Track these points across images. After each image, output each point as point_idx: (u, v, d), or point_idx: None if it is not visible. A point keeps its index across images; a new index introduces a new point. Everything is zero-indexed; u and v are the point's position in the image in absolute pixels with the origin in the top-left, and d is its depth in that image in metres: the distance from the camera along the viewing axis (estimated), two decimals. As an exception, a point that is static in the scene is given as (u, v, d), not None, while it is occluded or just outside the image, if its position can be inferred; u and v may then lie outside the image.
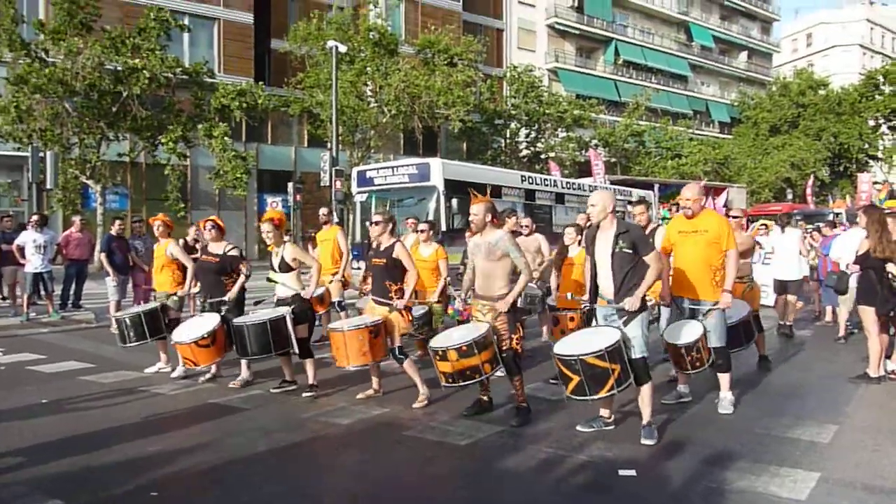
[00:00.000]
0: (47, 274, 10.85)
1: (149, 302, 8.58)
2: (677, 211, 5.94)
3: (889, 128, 41.60)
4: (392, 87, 25.72)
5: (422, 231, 7.72)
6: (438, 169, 12.87)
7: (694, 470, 4.13)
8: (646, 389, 4.76)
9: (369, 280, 8.32)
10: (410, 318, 6.09)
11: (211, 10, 29.05)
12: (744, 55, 51.28)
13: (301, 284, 6.38)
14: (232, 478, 4.08)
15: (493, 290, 5.25)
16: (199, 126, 23.86)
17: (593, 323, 5.08)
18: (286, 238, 6.50)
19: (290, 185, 22.03)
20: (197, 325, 6.53)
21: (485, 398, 5.58)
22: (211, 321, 6.46)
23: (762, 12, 52.42)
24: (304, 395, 6.09)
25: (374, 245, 6.30)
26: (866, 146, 39.90)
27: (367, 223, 10.03)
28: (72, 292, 12.03)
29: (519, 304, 5.52)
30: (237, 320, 6.25)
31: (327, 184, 19.12)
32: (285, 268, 6.29)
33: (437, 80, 26.43)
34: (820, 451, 4.49)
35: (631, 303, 4.65)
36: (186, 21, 25.91)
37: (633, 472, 4.06)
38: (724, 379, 5.59)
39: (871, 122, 40.76)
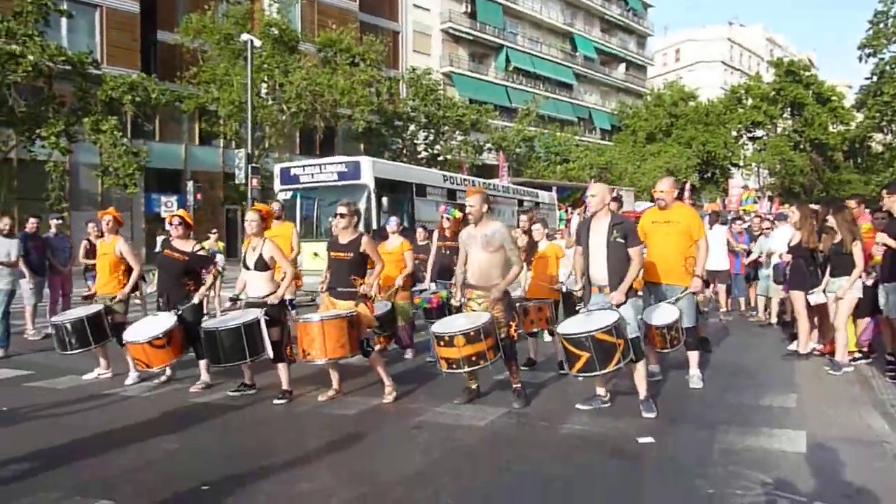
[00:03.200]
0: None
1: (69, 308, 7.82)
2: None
3: (749, 138, 45.93)
4: (293, 85, 25.20)
5: (396, 223, 7.82)
6: (369, 167, 12.86)
7: (699, 436, 4.56)
8: (640, 366, 5.15)
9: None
10: (373, 310, 6.01)
11: (93, -4, 27.11)
12: (622, 67, 54.70)
13: (274, 285, 6.00)
14: (270, 468, 4.02)
15: (489, 281, 5.41)
16: (84, 120, 22.24)
17: (585, 308, 5.39)
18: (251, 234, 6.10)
19: (190, 183, 21.06)
20: (152, 325, 6.18)
21: (473, 386, 5.74)
22: (167, 320, 6.12)
23: (638, 27, 56.17)
24: (276, 401, 5.65)
25: (332, 238, 6.18)
26: (730, 154, 43.80)
27: (330, 219, 9.96)
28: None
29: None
30: (208, 324, 5.86)
31: (243, 181, 18.47)
32: (262, 266, 5.91)
33: (339, 79, 26.19)
34: (794, 415, 5.08)
35: (616, 297, 5.01)
36: (65, 6, 24.07)
37: (651, 440, 4.42)
38: (693, 357, 6.13)
39: (734, 133, 44.81)
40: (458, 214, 8.35)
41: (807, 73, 44.80)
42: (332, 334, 5.45)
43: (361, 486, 3.68)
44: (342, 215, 5.88)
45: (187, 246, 6.47)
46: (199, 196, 20.76)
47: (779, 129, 45.28)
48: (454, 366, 5.24)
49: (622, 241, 5.11)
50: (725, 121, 44.02)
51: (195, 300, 6.29)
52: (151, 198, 28.19)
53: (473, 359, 5.17)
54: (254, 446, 4.51)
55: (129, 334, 6.12)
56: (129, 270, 6.98)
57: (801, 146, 44.16)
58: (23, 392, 6.17)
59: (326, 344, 5.44)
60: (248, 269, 6.02)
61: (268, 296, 5.87)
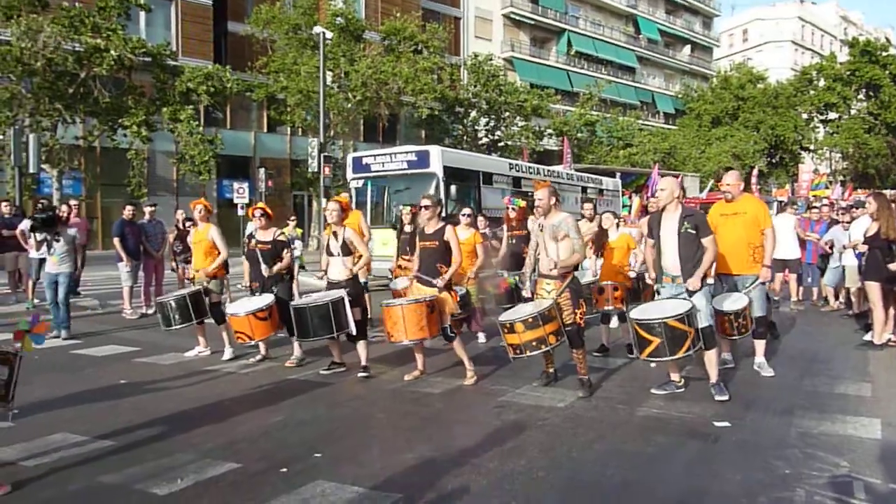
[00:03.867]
0: (54, 259, 10.67)
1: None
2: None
3: (821, 121, 44.20)
4: (359, 73, 25.74)
5: (467, 215, 8.09)
6: (438, 156, 13.19)
7: (776, 420, 4.73)
8: (712, 353, 5.34)
9: (403, 263, 8.74)
10: (457, 298, 6.42)
11: (169, -10, 28.29)
12: (687, 49, 53.32)
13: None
14: (371, 439, 4.42)
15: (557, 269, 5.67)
16: (163, 110, 23.34)
17: (656, 297, 5.60)
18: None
19: (262, 170, 21.87)
20: (251, 302, 6.78)
21: (551, 370, 6.01)
22: (266, 297, 6.73)
23: (704, 7, 54.59)
24: (360, 375, 6.19)
25: (418, 228, 6.56)
26: (800, 138, 42.28)
27: (401, 207, 10.37)
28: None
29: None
30: (298, 302, 6.42)
31: (315, 170, 19.13)
32: (346, 250, 6.42)
33: (403, 66, 26.60)
34: (869, 403, 5.18)
35: (693, 283, 5.20)
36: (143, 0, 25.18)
37: (727, 424, 4.62)
38: (760, 345, 6.27)
39: (805, 116, 43.20)
40: (523, 204, 8.58)
41: (884, 54, 42.67)
42: (411, 318, 5.84)
43: (458, 457, 4.03)
44: (426, 207, 6.23)
45: (269, 235, 7.04)
46: (270, 183, 21.49)
47: (852, 112, 43.37)
48: (518, 351, 5.52)
49: (693, 231, 5.28)
50: (796, 103, 42.44)
51: (273, 270, 6.85)
52: (223, 184, 29.37)
53: (534, 344, 5.42)
54: (352, 419, 4.93)
55: (232, 308, 6.73)
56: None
57: (877, 129, 42.22)
58: (134, 367, 6.79)
59: (407, 327, 5.83)
60: (331, 255, 6.50)
61: (348, 280, 6.37)
